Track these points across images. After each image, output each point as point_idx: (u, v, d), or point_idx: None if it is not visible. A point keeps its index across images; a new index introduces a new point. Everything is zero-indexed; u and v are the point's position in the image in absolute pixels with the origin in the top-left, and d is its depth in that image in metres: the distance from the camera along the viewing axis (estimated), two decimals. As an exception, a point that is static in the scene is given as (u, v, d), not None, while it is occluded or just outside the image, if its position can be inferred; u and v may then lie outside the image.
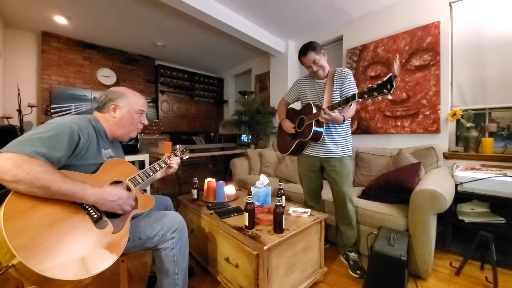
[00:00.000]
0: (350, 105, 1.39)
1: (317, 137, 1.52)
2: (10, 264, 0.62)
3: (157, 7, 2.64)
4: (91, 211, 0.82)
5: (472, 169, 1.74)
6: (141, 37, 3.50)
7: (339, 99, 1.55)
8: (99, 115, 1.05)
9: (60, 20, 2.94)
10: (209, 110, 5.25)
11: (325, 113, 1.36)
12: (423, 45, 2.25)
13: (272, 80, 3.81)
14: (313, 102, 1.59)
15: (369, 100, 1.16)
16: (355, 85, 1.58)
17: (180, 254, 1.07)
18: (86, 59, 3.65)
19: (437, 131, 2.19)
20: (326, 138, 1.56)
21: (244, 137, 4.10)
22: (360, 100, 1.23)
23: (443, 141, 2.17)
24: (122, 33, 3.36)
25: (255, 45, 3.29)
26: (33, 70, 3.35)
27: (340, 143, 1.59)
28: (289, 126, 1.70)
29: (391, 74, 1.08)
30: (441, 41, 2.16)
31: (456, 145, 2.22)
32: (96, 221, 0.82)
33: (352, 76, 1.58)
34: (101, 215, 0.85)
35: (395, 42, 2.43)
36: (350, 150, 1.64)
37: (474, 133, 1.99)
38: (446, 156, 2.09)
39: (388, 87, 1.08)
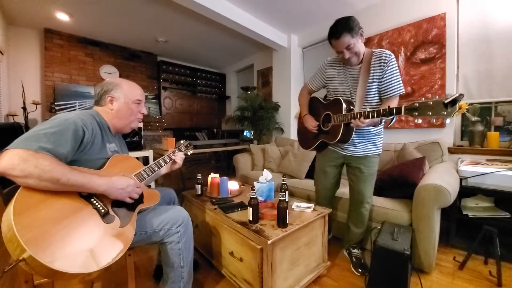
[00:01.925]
0: (393, 118, 1.08)
1: (345, 140, 1.34)
2: (21, 258, 0.63)
3: (158, 2, 2.63)
4: (99, 206, 0.84)
5: (477, 163, 1.72)
6: (143, 32, 3.49)
7: (376, 93, 1.30)
8: (99, 109, 1.04)
9: (62, 16, 2.94)
10: (212, 106, 5.25)
11: (358, 120, 1.14)
12: (428, 38, 2.21)
13: (275, 75, 3.79)
14: (344, 95, 1.37)
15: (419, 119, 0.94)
16: (399, 77, 1.26)
17: (185, 248, 1.08)
18: (88, 55, 3.66)
19: (442, 125, 2.17)
20: (354, 135, 1.33)
21: (246, 133, 4.10)
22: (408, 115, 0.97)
23: (448, 135, 2.15)
24: (124, 28, 3.36)
25: (257, 39, 3.27)
26: (37, 68, 3.37)
27: (371, 140, 1.39)
28: (311, 125, 1.48)
29: (459, 93, 0.84)
30: (447, 33, 2.12)
31: (461, 139, 2.20)
32: (103, 216, 0.83)
33: (395, 63, 1.25)
34: (108, 210, 0.86)
35: (400, 35, 2.39)
36: (381, 147, 1.44)
37: (480, 127, 1.97)
38: (451, 151, 2.08)
39: (449, 109, 0.84)
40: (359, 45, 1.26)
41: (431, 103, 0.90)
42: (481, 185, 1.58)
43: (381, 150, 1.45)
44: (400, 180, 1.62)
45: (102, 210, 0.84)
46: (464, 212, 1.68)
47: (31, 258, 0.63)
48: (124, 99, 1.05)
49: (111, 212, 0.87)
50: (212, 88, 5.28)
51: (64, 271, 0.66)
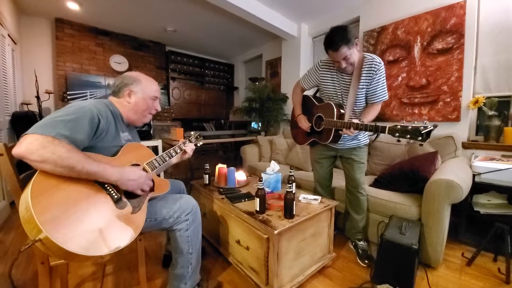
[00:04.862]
0: (377, 135, 1.19)
1: (335, 141, 1.49)
2: (37, 238, 0.66)
3: (167, -10, 2.59)
4: (112, 191, 0.86)
5: (492, 159, 1.67)
6: (151, 22, 3.47)
7: (364, 98, 1.43)
8: (114, 100, 1.07)
9: (72, 6, 2.96)
10: (220, 97, 5.24)
11: (348, 131, 1.27)
12: (446, 27, 2.11)
13: (284, 65, 3.73)
14: (335, 97, 1.48)
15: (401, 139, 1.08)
16: (385, 84, 1.39)
17: (194, 235, 1.11)
18: (99, 45, 3.69)
19: (457, 119, 2.09)
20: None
21: (254, 124, 4.09)
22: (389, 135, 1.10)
23: (463, 130, 2.08)
24: (133, 18, 3.34)
25: (267, 28, 3.19)
26: (49, 57, 3.42)
27: (357, 136, 1.52)
28: (305, 126, 1.60)
29: (432, 126, 0.97)
30: (466, 23, 2.02)
31: (476, 134, 2.13)
32: (116, 201, 0.86)
33: (384, 71, 1.36)
34: (121, 196, 0.89)
35: (417, 24, 2.29)
36: (367, 138, 1.59)
37: (496, 122, 1.89)
38: (465, 146, 2.01)
39: (424, 137, 0.98)
40: (355, 55, 1.33)
41: (410, 128, 1.02)
42: (495, 181, 1.53)
43: (368, 140, 1.60)
44: (410, 174, 1.59)
45: (115, 196, 0.86)
46: (475, 209, 1.64)
47: (46, 239, 0.65)
48: (142, 94, 1.08)
49: (123, 198, 0.90)
50: (220, 79, 5.25)
51: (77, 253, 0.68)
